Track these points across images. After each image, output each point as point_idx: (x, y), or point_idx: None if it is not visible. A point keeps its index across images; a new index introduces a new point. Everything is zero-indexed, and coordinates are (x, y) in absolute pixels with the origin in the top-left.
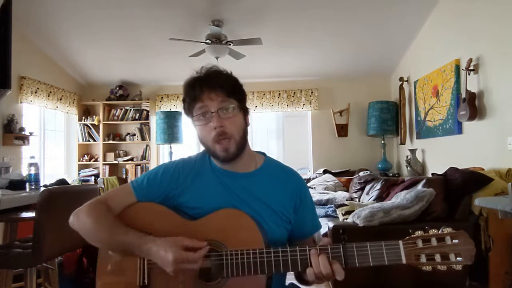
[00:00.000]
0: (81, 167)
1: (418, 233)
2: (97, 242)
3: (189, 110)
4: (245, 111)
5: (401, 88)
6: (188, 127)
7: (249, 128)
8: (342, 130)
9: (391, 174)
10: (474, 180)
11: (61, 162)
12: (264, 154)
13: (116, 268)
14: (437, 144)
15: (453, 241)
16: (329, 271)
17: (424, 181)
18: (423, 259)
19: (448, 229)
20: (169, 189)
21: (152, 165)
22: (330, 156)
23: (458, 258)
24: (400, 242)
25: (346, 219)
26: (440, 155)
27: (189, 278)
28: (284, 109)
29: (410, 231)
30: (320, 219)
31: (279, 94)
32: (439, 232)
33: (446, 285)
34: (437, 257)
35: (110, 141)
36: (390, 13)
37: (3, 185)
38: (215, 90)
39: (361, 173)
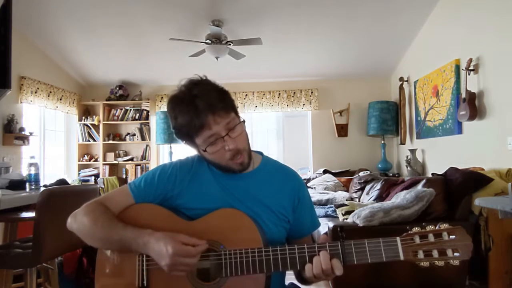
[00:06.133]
0: (81, 167)
1: (416, 229)
2: (95, 241)
3: (188, 135)
4: (240, 118)
5: (401, 88)
6: None
7: (249, 128)
8: (342, 130)
9: (391, 174)
10: (474, 180)
11: (61, 162)
12: (261, 153)
13: (115, 270)
14: (437, 144)
15: (450, 236)
16: (329, 266)
17: (424, 181)
18: (420, 255)
19: (445, 225)
20: (167, 190)
21: (152, 165)
22: (330, 156)
23: (455, 254)
24: (398, 239)
25: (346, 219)
26: (440, 155)
27: (184, 277)
28: (284, 109)
29: (408, 227)
30: (320, 219)
31: (279, 94)
32: (436, 228)
33: (446, 284)
34: (435, 253)
35: (110, 141)
36: (390, 14)
37: (3, 185)
38: (217, 112)
39: (361, 173)
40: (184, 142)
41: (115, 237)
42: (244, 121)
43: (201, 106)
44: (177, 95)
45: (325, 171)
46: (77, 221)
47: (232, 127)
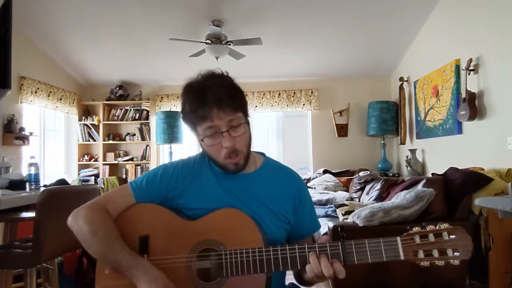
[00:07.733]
0: (81, 167)
1: (416, 229)
2: (92, 253)
3: (191, 122)
4: (248, 120)
5: (401, 88)
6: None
7: None
8: (342, 130)
9: (391, 174)
10: (474, 180)
11: (61, 162)
12: (263, 154)
13: (116, 271)
14: (437, 144)
15: (450, 236)
16: (331, 272)
17: (424, 181)
18: (421, 254)
19: (445, 224)
20: (168, 190)
21: (152, 165)
22: (330, 156)
23: (455, 253)
24: (398, 239)
25: (346, 219)
26: (440, 155)
27: (184, 277)
28: (284, 109)
29: (408, 227)
30: (320, 219)
31: (279, 94)
32: (436, 228)
33: (446, 283)
34: (435, 253)
35: (110, 141)
36: (390, 13)
37: (3, 185)
38: (223, 108)
39: (361, 173)
40: (189, 128)
41: (111, 257)
42: (248, 123)
43: (208, 98)
44: (192, 83)
45: (325, 171)
46: (78, 225)
47: (235, 125)
